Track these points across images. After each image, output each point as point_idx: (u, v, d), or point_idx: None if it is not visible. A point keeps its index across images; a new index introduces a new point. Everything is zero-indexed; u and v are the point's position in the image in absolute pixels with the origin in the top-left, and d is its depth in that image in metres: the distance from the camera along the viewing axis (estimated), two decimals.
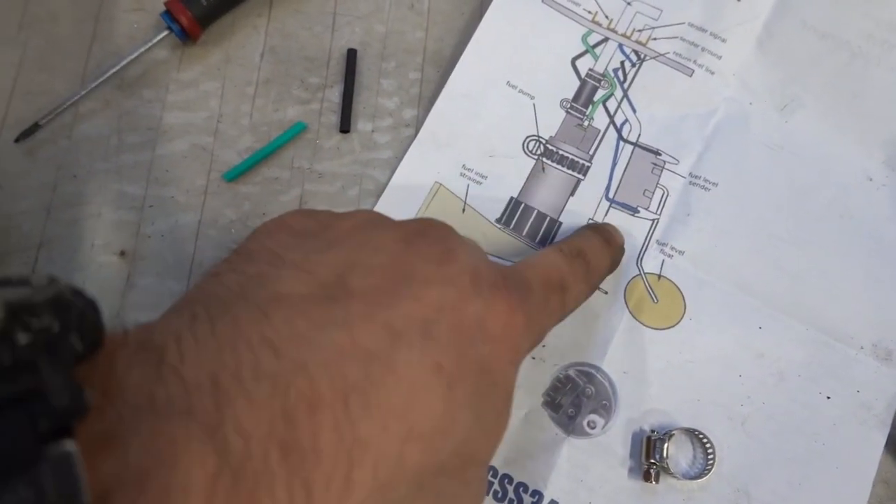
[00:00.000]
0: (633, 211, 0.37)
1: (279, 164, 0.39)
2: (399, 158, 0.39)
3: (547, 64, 0.40)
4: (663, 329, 0.34)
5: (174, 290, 0.37)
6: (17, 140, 0.38)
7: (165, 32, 0.39)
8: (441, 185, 0.38)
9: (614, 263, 0.33)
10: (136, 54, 0.39)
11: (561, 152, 0.38)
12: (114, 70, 0.39)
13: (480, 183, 0.38)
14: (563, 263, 0.27)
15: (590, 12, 0.40)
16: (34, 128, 0.38)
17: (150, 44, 0.39)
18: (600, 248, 0.31)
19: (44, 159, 0.39)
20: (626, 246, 0.36)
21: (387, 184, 0.38)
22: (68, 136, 0.39)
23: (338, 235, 0.22)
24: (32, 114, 0.39)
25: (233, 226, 0.38)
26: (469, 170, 0.38)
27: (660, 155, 0.38)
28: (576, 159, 0.38)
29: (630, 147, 0.38)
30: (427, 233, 0.23)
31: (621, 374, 0.34)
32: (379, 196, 0.38)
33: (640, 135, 0.38)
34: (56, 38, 0.41)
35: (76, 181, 0.38)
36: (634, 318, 0.35)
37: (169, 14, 0.39)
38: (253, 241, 0.23)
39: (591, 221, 0.37)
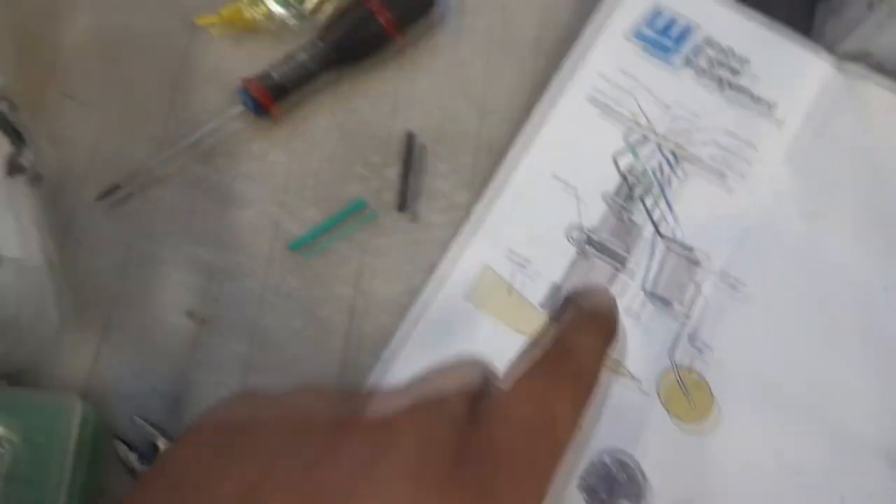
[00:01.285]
0: (668, 304, 0.40)
1: (340, 236, 0.42)
2: (451, 239, 0.42)
3: (591, 159, 0.43)
4: (693, 422, 0.37)
5: (237, 352, 0.39)
6: (97, 199, 0.41)
7: (241, 108, 0.42)
8: (489, 267, 0.41)
9: (608, 340, 0.23)
10: (212, 126, 0.42)
11: (601, 243, 0.41)
12: (191, 140, 0.42)
13: (525, 267, 0.41)
14: (548, 391, 0.21)
15: (632, 114, 0.43)
16: (114, 188, 0.41)
17: (226, 117, 0.42)
18: (589, 342, 0.23)
19: (121, 219, 0.41)
20: (659, 339, 0.39)
21: (438, 263, 0.41)
22: (145, 198, 0.42)
23: (255, 443, 0.20)
24: (112, 174, 0.42)
25: (295, 293, 0.41)
26: (515, 254, 0.41)
27: (694, 252, 0.41)
28: (615, 251, 0.41)
29: (666, 243, 0.41)
30: (354, 427, 0.19)
31: (653, 463, 0.37)
32: (430, 273, 0.41)
33: (675, 232, 0.42)
34: (137, 103, 0.44)
35: (150, 242, 0.41)
36: (666, 410, 0.38)
37: (246, 91, 0.42)
38: (178, 450, 0.21)
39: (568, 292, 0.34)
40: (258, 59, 0.45)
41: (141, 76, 0.44)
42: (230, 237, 0.41)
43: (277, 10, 0.44)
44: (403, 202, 0.42)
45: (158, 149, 0.43)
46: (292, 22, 0.45)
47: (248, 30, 0.45)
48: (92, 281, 0.40)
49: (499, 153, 0.44)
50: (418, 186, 0.43)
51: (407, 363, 0.39)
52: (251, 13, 0.44)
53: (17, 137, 0.34)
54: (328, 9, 0.45)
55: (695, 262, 0.41)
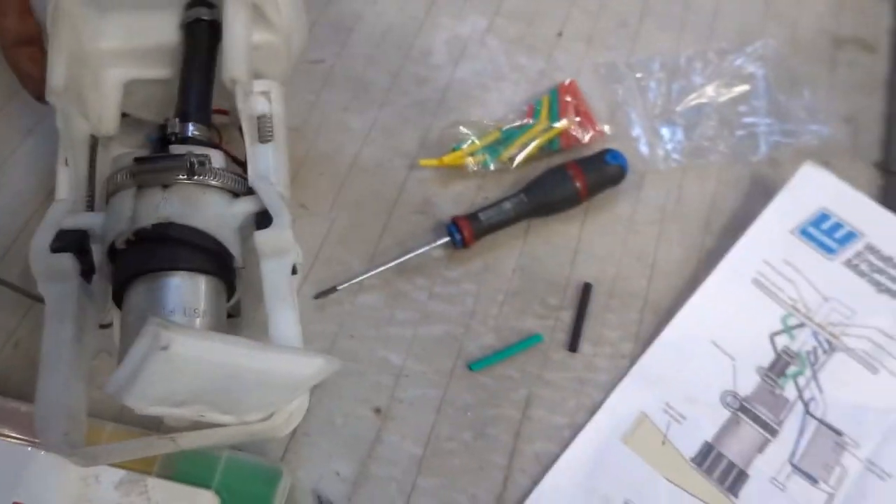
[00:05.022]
0: (814, 481, 0.43)
1: (514, 365, 0.47)
2: (614, 383, 0.46)
3: (749, 334, 0.47)
4: None
5: (412, 453, 0.44)
6: (316, 297, 0.48)
7: (447, 239, 0.49)
8: (646, 416, 0.45)
9: None
10: (421, 251, 0.49)
11: (754, 411, 0.45)
12: (400, 259, 0.49)
13: (680, 423, 0.45)
14: None
15: (791, 299, 0.48)
16: (332, 290, 0.48)
17: (433, 245, 0.49)
18: None
19: (330, 316, 0.48)
20: None
21: (601, 403, 0.45)
22: (352, 302, 0.48)
23: None
24: (329, 277, 0.49)
25: (469, 409, 0.45)
26: (671, 408, 0.45)
27: (841, 436, 0.44)
28: (767, 421, 0.44)
29: (815, 422, 0.44)
30: None
31: None
32: (593, 413, 0.45)
33: (824, 413, 0.45)
34: (357, 221, 0.51)
35: (352, 340, 0.47)
36: None
37: (455, 226, 0.49)
38: None
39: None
40: (462, 198, 0.53)
41: (364, 199, 0.52)
42: (419, 348, 0.47)
43: (490, 161, 0.52)
44: (575, 344, 0.47)
45: (370, 261, 0.50)
46: (493, 169, 0.53)
47: (457, 171, 0.53)
48: None
49: (663, 314, 0.49)
50: (588, 331, 0.48)
51: (561, 491, 0.43)
52: (468, 161, 0.52)
53: None
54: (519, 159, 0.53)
55: (842, 447, 0.44)
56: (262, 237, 0.36)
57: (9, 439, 0.39)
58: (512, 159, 0.53)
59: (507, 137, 0.53)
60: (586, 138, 0.54)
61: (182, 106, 0.41)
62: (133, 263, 0.35)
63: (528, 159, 0.53)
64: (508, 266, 0.50)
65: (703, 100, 0.57)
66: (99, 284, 0.38)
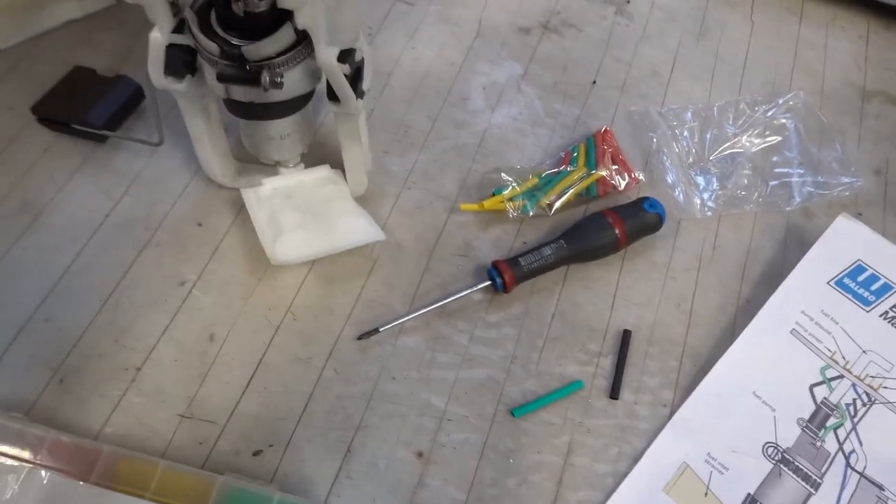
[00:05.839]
0: None
1: (556, 411, 0.47)
2: (655, 432, 0.46)
3: (788, 385, 0.47)
4: None
5: (455, 498, 0.44)
6: (358, 338, 0.48)
7: (488, 283, 0.50)
8: (688, 466, 0.45)
9: None
10: (462, 294, 0.49)
11: (796, 463, 0.45)
12: (442, 303, 0.49)
13: (722, 473, 0.45)
14: None
15: (830, 350, 0.48)
16: (374, 332, 0.48)
17: (475, 289, 0.49)
18: None
19: (373, 358, 0.48)
20: None
21: (643, 451, 0.46)
22: (393, 344, 0.49)
23: None
24: (371, 318, 0.49)
25: (511, 455, 0.45)
26: (713, 458, 0.45)
27: (883, 490, 0.44)
28: (809, 473, 0.45)
29: (857, 476, 0.45)
30: None
31: None
32: (635, 461, 0.45)
33: (865, 467, 0.45)
34: (399, 262, 0.52)
35: (394, 382, 0.47)
36: None
37: (496, 270, 0.49)
38: None
39: None
40: (501, 242, 0.53)
41: (405, 241, 0.53)
42: (461, 391, 0.47)
43: (530, 206, 0.53)
44: (616, 391, 0.47)
45: (412, 303, 0.50)
46: (531, 214, 0.53)
47: (497, 216, 0.54)
48: (342, 406, 0.46)
49: (702, 362, 0.49)
50: (628, 378, 0.48)
51: None
52: (507, 205, 0.53)
53: None
54: (558, 205, 0.53)
55: (885, 501, 0.44)
56: (332, 107, 0.46)
57: (59, 473, 0.39)
58: (550, 205, 0.53)
59: (546, 183, 0.54)
60: (622, 185, 0.55)
61: None
62: (242, 114, 0.48)
63: (566, 205, 0.54)
64: (548, 311, 0.51)
65: (737, 149, 0.58)
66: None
